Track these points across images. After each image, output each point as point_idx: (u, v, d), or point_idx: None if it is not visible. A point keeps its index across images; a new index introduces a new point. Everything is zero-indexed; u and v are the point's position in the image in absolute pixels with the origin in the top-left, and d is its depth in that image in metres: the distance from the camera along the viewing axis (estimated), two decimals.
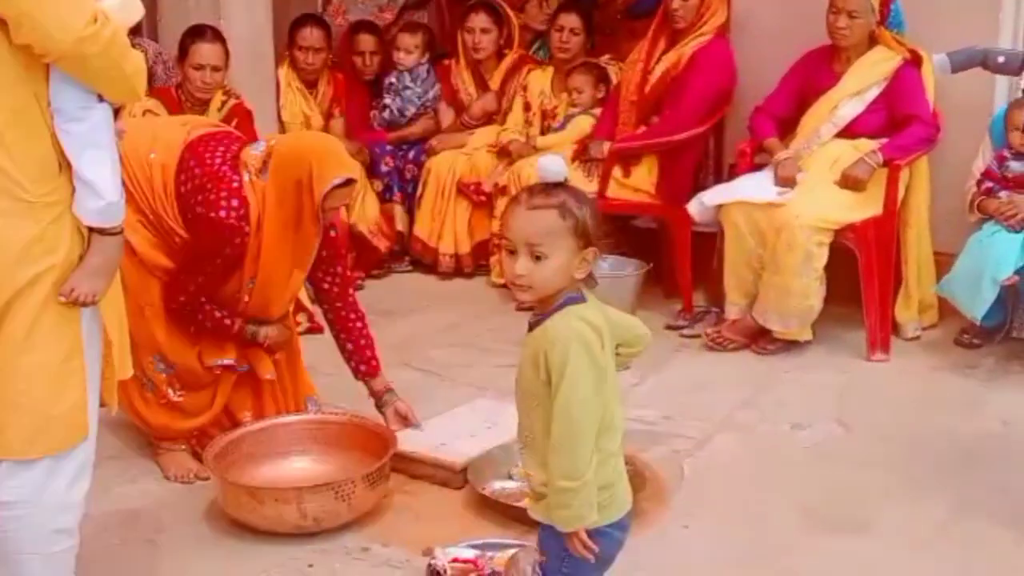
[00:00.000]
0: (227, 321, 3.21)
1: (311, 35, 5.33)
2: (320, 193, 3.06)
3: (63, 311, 2.14)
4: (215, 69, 4.50)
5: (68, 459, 2.19)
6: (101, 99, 2.14)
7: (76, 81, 2.09)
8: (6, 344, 2.08)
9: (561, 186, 2.03)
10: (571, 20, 5.30)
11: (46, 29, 2.00)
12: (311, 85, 5.38)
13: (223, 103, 4.59)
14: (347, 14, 5.96)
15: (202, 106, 4.54)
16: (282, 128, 5.19)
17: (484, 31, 5.51)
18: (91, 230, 2.16)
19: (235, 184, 3.09)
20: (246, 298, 3.21)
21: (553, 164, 2.02)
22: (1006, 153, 4.24)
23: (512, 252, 2.01)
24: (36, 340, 2.11)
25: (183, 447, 3.33)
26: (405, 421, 3.38)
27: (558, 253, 1.98)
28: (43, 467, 2.15)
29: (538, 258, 1.98)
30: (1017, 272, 4.01)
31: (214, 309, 3.18)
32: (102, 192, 2.14)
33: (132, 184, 3.02)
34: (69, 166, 2.12)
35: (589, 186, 4.68)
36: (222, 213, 3.05)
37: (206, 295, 3.16)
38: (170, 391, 3.26)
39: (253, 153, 3.16)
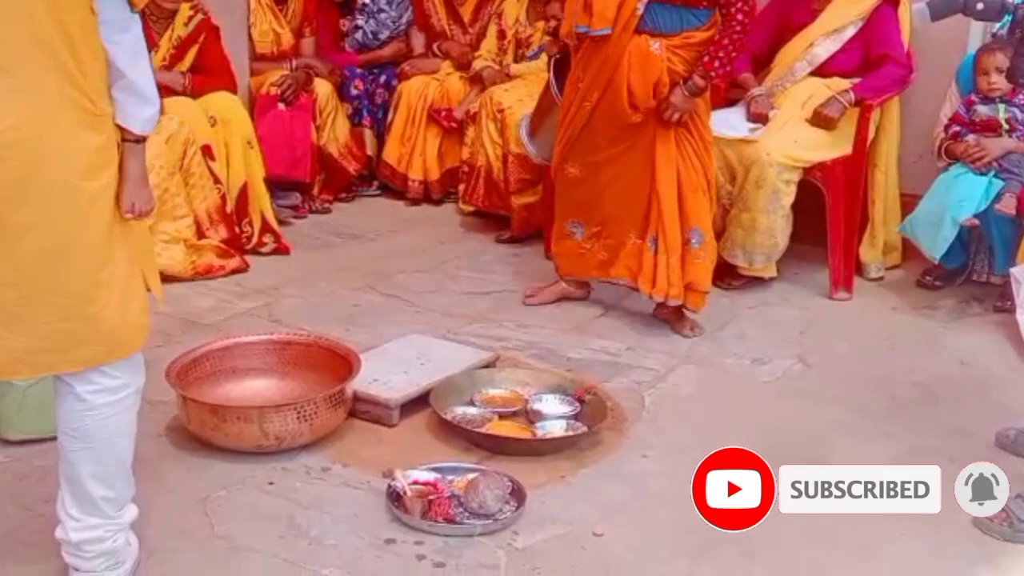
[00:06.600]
0: None
1: None
2: None
3: (121, 221, 2.18)
4: None
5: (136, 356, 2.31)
6: (132, 8, 2.13)
7: None
8: (86, 259, 2.13)
9: None
10: None
11: None
12: (281, 1, 5.26)
13: (190, 18, 4.49)
14: None
15: (168, 18, 4.44)
16: (252, 47, 5.10)
17: None
18: (124, 140, 2.17)
19: None
20: None
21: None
22: (974, 98, 4.25)
23: None
24: (112, 253, 2.16)
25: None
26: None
27: None
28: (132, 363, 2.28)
29: None
30: (978, 215, 4.05)
31: None
32: (152, 100, 2.18)
33: None
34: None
35: None
36: None
37: None
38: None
39: None
